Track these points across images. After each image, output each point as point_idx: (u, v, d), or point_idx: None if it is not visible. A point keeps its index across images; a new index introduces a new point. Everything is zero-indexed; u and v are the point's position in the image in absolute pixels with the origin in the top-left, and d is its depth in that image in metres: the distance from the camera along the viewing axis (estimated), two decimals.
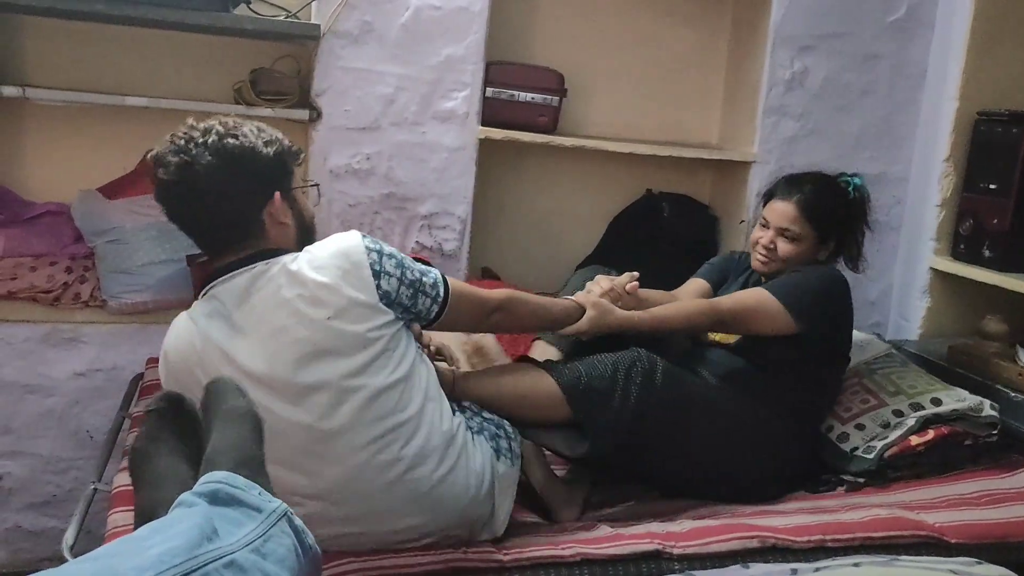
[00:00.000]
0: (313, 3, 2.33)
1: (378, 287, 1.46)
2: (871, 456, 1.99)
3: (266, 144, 1.49)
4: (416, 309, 1.53)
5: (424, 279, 1.53)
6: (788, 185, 2.05)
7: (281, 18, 2.29)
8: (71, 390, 2.20)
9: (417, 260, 1.59)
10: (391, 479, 1.47)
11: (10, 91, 2.16)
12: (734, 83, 2.75)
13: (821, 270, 2.02)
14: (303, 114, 2.33)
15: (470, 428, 1.61)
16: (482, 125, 2.46)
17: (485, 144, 2.48)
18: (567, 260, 2.74)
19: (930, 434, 2.02)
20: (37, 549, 2.21)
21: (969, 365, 2.32)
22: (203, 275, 2.24)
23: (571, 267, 2.75)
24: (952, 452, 2.05)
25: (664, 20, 2.72)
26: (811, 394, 2.03)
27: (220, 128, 1.46)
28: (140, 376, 2.14)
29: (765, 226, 2.04)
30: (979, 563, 1.29)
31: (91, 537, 1.57)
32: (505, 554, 1.54)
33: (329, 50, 2.32)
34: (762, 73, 2.58)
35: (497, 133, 2.46)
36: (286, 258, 1.48)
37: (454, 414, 1.59)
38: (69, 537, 1.50)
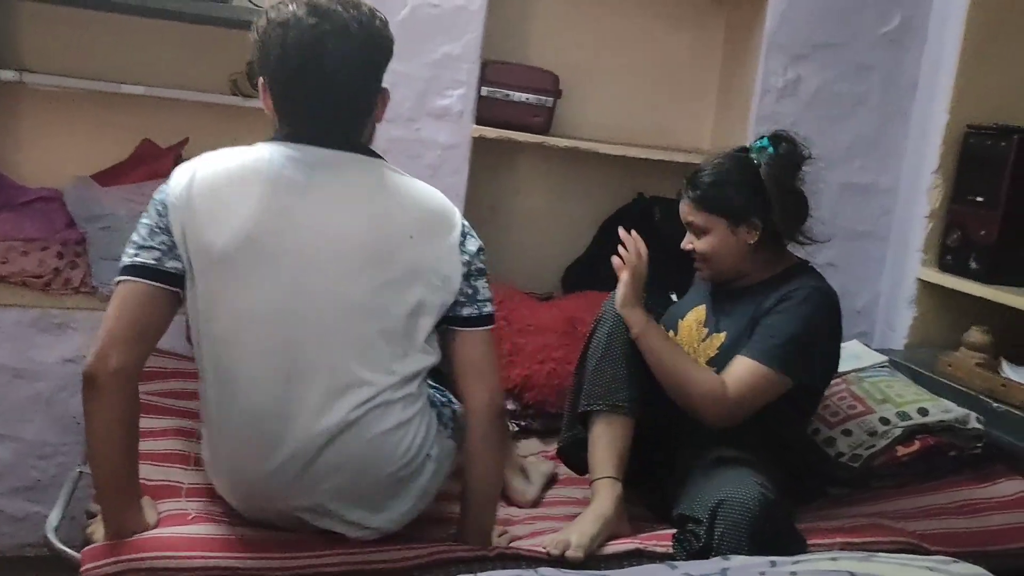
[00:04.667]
0: None
1: (462, 245, 1.51)
2: (857, 465, 2.01)
3: None
4: (474, 287, 1.53)
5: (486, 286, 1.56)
6: (685, 182, 1.88)
7: None
8: (59, 375, 2.20)
9: None
10: (374, 404, 1.44)
11: (7, 75, 2.16)
12: (727, 89, 2.77)
13: (801, 307, 1.77)
14: None
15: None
16: (476, 124, 2.47)
17: (479, 143, 2.49)
18: (558, 261, 2.75)
19: (915, 444, 2.04)
20: (20, 534, 2.20)
21: (954, 376, 2.35)
22: None
23: (562, 268, 2.77)
24: (936, 462, 2.06)
25: (659, 24, 2.74)
26: (793, 422, 1.91)
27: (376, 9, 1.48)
28: None
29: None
30: (956, 561, 1.30)
31: (75, 524, 1.57)
32: (491, 550, 1.55)
33: None
34: (755, 80, 2.59)
35: (491, 132, 2.47)
36: (389, 166, 1.52)
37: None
38: (53, 519, 1.50)
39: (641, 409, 1.79)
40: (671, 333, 1.94)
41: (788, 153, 1.83)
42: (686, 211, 1.87)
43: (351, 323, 1.43)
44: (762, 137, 1.87)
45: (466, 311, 1.52)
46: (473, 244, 1.55)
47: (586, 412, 1.81)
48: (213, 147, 2.39)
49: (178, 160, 2.36)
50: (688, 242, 1.88)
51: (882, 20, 2.63)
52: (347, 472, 1.45)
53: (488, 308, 1.55)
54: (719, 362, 1.81)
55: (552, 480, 1.98)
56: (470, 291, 1.53)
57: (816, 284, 1.82)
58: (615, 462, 1.76)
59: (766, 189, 1.80)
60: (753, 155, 1.84)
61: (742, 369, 1.75)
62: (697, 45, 2.77)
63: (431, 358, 1.53)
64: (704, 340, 1.88)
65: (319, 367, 1.42)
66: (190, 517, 1.50)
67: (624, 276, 1.82)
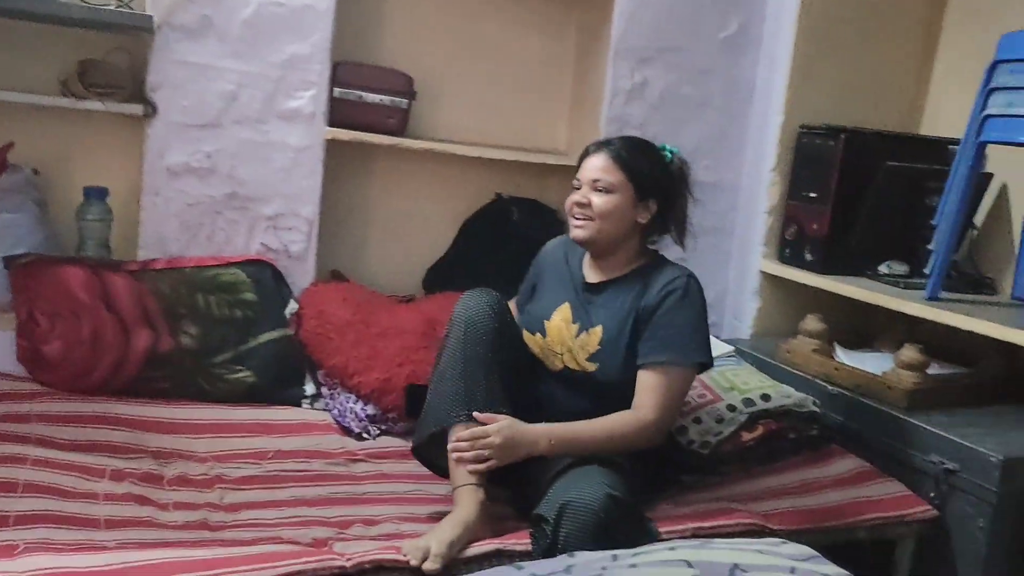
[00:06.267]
0: None
1: None
2: (706, 452, 2.10)
3: None
4: None
5: None
6: (600, 142, 1.94)
7: (111, 7, 2.18)
8: None
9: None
10: None
11: None
12: (579, 92, 2.83)
13: (687, 298, 1.85)
14: (137, 109, 2.22)
15: None
16: (329, 126, 2.42)
17: (332, 145, 2.44)
18: (418, 262, 2.74)
19: (759, 429, 2.15)
20: None
21: (793, 362, 2.49)
22: (23, 277, 2.10)
23: (422, 269, 2.76)
24: (777, 445, 2.18)
25: (512, 28, 2.77)
26: None
27: None
28: None
29: (578, 187, 1.90)
30: (784, 543, 1.39)
31: None
32: (347, 559, 1.53)
33: (165, 43, 2.22)
34: (604, 83, 2.66)
35: (345, 134, 2.43)
36: None
37: None
38: None
39: (501, 413, 1.80)
40: (538, 336, 1.94)
41: (687, 163, 1.99)
42: (599, 166, 1.86)
43: None
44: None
45: None
46: None
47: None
48: (42, 150, 2.28)
49: (3, 165, 2.20)
50: (583, 196, 1.87)
51: (721, 25, 2.75)
52: None
53: None
54: (603, 356, 1.85)
55: None
56: None
57: (687, 272, 1.90)
58: None
59: (671, 180, 1.93)
60: (666, 152, 1.95)
61: (653, 382, 1.81)
62: (550, 49, 2.82)
63: None
64: (578, 336, 1.89)
65: None
66: (18, 549, 1.40)
67: (498, 461, 1.75)
